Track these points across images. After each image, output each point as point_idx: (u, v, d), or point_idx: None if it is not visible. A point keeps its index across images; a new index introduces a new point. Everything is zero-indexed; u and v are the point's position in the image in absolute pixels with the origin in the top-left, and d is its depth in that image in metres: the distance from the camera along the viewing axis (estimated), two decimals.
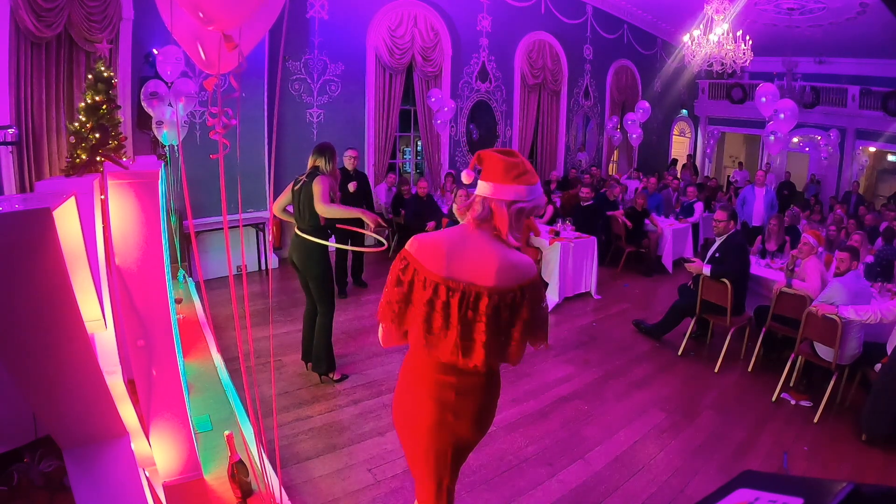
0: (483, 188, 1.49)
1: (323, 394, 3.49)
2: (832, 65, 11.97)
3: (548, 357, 4.24)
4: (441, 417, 1.55)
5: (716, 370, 4.11)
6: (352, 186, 5.06)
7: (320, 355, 3.55)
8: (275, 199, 3.59)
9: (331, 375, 3.63)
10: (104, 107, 3.27)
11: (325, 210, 3.23)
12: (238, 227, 4.20)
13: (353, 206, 4.10)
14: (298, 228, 3.36)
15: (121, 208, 1.91)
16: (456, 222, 4.97)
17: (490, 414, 1.64)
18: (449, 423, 1.56)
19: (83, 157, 3.08)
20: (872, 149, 11.90)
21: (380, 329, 1.60)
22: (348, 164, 5.19)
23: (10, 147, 4.28)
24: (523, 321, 1.46)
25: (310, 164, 3.39)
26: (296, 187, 3.38)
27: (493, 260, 1.45)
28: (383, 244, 2.89)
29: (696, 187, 7.88)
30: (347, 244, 5.07)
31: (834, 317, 3.36)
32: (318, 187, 3.25)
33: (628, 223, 6.79)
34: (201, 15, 1.43)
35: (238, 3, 1.46)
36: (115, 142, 3.35)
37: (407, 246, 1.51)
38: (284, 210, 3.49)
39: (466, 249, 1.47)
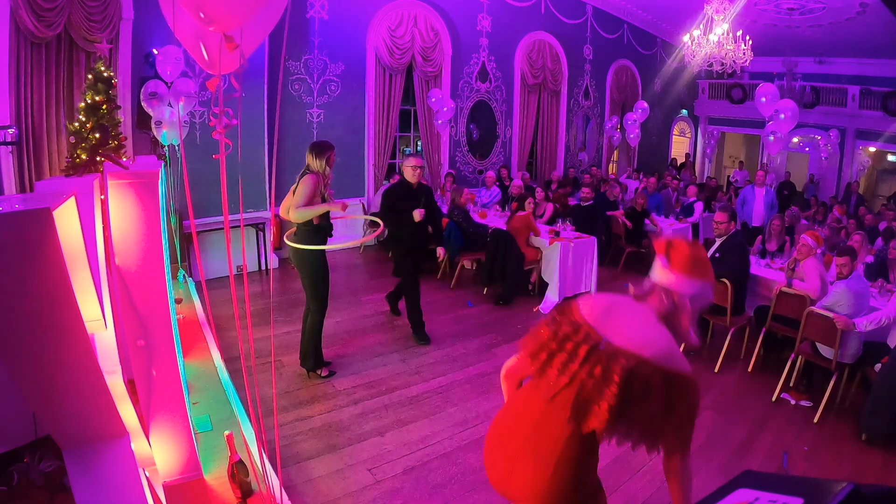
0: (666, 278, 1.40)
1: (323, 394, 3.49)
2: (832, 65, 11.97)
3: None
4: (500, 465, 1.49)
5: (716, 370, 4.11)
6: (418, 214, 4.00)
7: (308, 352, 3.62)
8: (277, 199, 3.61)
9: (318, 372, 3.67)
10: (104, 107, 3.27)
11: (296, 216, 3.24)
12: (238, 226, 4.20)
13: (417, 229, 4.03)
14: (295, 231, 3.39)
15: (121, 208, 1.91)
16: (455, 222, 4.94)
17: None
18: (502, 475, 1.47)
19: (83, 157, 3.08)
20: (872, 149, 11.90)
21: (512, 359, 1.57)
22: (411, 176, 4.07)
23: (10, 147, 4.28)
24: (651, 410, 1.31)
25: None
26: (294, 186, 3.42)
27: (647, 331, 1.36)
28: (379, 225, 2.87)
29: (696, 187, 7.88)
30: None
31: (852, 329, 3.35)
32: (301, 189, 3.26)
33: (628, 223, 6.79)
34: (202, 15, 1.43)
35: (239, 4, 1.46)
36: (115, 142, 3.35)
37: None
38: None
39: (627, 314, 1.40)
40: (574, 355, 1.34)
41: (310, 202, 3.24)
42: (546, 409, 1.37)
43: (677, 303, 1.38)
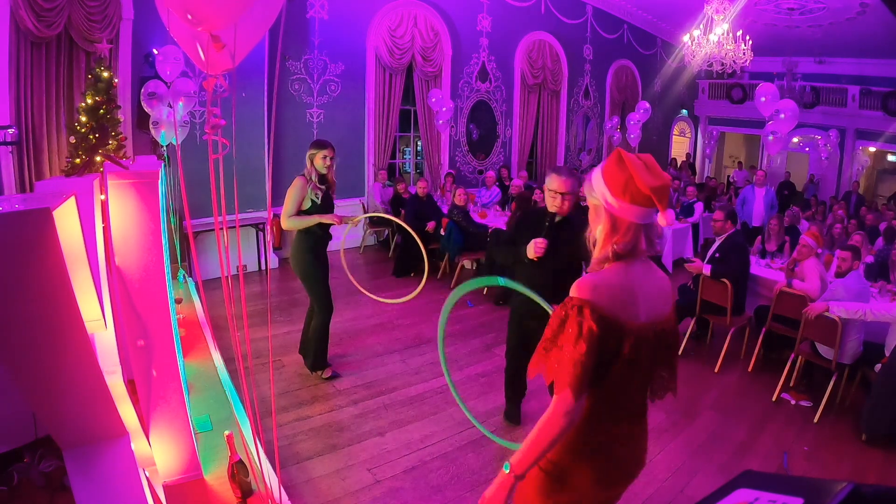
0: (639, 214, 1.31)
1: (323, 394, 3.49)
2: (832, 65, 11.97)
3: None
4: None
5: (716, 370, 4.11)
6: (534, 247, 2.64)
7: (309, 350, 3.63)
8: (275, 200, 3.59)
9: (319, 373, 3.64)
10: (104, 107, 3.27)
11: (286, 224, 3.23)
12: (236, 227, 4.20)
13: (537, 276, 2.67)
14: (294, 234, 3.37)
15: (121, 208, 1.91)
16: (454, 222, 4.80)
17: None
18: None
19: (83, 157, 3.08)
20: (872, 149, 11.91)
21: (557, 403, 1.26)
22: (555, 204, 2.66)
23: (10, 147, 4.28)
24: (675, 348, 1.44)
25: None
26: None
27: (666, 284, 1.40)
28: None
29: (695, 187, 7.88)
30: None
31: (825, 314, 3.38)
32: (287, 193, 3.22)
33: None
34: (190, 17, 1.42)
35: (226, 5, 1.45)
36: (115, 142, 3.36)
37: (579, 293, 1.27)
38: None
39: (648, 283, 1.35)
40: (638, 355, 1.36)
41: (298, 207, 3.22)
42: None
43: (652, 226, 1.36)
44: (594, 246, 1.36)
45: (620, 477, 1.48)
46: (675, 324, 1.43)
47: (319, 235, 3.35)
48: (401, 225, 3.69)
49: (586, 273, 1.38)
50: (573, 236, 2.53)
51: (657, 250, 1.38)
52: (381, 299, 3.21)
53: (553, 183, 2.65)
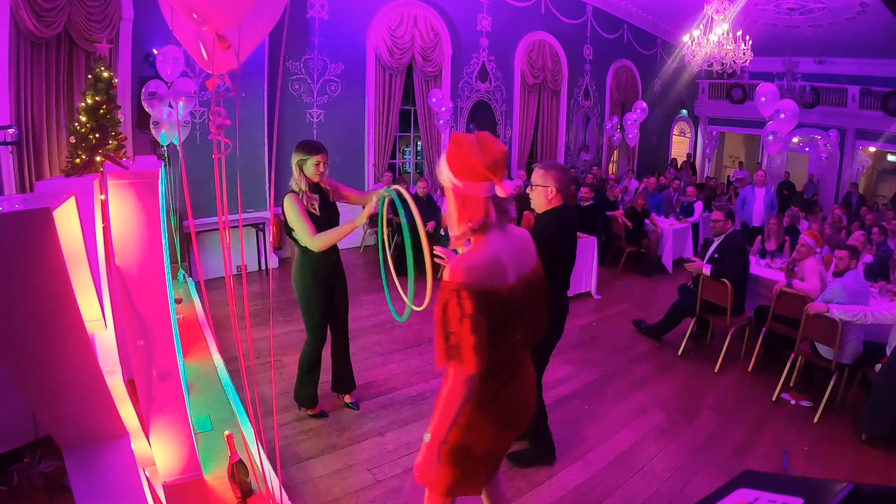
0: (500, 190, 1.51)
1: (323, 394, 3.48)
2: (832, 65, 11.97)
3: None
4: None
5: (716, 370, 4.11)
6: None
7: (297, 383, 3.15)
8: (275, 200, 3.53)
9: (305, 410, 3.18)
10: (104, 107, 3.28)
11: (317, 244, 2.73)
12: (238, 226, 4.18)
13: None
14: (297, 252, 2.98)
15: (121, 208, 1.91)
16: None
17: None
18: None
19: (83, 157, 3.09)
20: (872, 149, 11.91)
21: (458, 375, 1.46)
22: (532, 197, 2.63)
23: (10, 147, 4.28)
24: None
25: None
26: None
27: (527, 240, 1.59)
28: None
29: (695, 187, 7.89)
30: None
31: (825, 314, 3.39)
32: (290, 216, 2.73)
33: (628, 223, 6.79)
34: (195, 16, 1.43)
35: (232, 4, 1.45)
36: (115, 142, 3.36)
37: (454, 278, 1.40)
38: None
39: (511, 247, 1.53)
40: (514, 306, 1.57)
41: (310, 219, 2.78)
42: None
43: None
44: (450, 225, 1.52)
45: (513, 419, 1.65)
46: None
47: (316, 255, 2.89)
48: (402, 224, 3.59)
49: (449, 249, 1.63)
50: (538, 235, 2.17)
51: (511, 216, 1.54)
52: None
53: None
